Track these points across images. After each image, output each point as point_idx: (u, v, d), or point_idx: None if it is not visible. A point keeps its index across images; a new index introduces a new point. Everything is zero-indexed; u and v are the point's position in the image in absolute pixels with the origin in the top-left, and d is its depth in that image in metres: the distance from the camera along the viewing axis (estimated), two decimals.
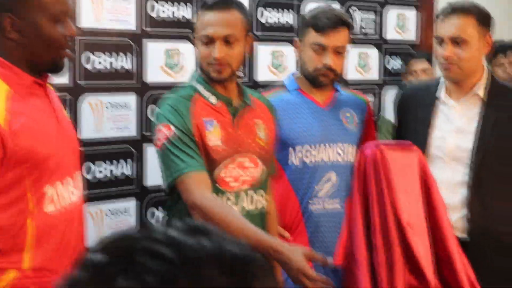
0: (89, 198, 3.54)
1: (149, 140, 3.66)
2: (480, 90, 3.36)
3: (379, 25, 5.27)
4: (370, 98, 4.79)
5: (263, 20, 4.59)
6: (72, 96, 3.79)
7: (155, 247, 0.88)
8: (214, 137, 2.88)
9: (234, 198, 2.92)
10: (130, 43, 4.01)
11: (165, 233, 0.91)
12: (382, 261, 2.39)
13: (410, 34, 5.46)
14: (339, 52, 3.33)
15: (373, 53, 5.22)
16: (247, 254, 0.92)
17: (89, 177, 3.83)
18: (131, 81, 4.02)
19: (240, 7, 2.98)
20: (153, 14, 4.10)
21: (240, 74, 3.12)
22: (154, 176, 3.96)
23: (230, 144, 2.92)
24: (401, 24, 5.41)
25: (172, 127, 2.81)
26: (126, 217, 4.01)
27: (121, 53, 3.98)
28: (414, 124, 3.44)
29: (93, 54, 3.88)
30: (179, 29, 4.19)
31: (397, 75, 5.23)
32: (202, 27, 2.91)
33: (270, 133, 3.10)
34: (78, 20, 3.78)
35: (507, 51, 5.29)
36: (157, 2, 4.11)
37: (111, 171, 3.96)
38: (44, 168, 2.41)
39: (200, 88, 2.95)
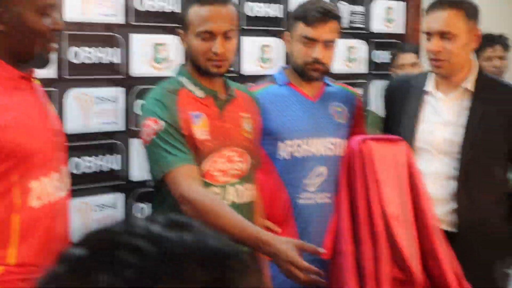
0: (75, 192, 3.52)
1: (135, 133, 3.65)
2: (469, 84, 3.36)
3: (367, 17, 5.26)
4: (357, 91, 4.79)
5: (250, 13, 4.58)
6: (57, 89, 3.76)
7: (135, 241, 0.87)
8: (201, 130, 2.87)
9: (221, 191, 2.92)
10: (116, 36, 3.99)
11: (146, 228, 0.90)
12: (367, 253, 2.39)
13: (398, 26, 5.45)
14: (329, 45, 3.34)
15: (360, 46, 5.22)
16: (229, 249, 0.91)
17: (75, 171, 3.81)
18: (117, 75, 4.00)
19: (231, 1, 2.99)
20: (139, 7, 4.08)
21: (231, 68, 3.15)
22: (140, 169, 3.95)
23: (217, 137, 2.91)
24: (388, 17, 5.41)
25: (160, 121, 2.80)
26: (112, 211, 4.00)
27: (107, 46, 3.96)
28: (401, 117, 3.44)
29: (79, 47, 3.85)
30: (165, 22, 4.17)
31: (385, 68, 5.23)
32: (200, 22, 2.90)
33: (255, 126, 3.10)
34: (64, 13, 3.75)
35: (494, 44, 5.29)
36: None
37: (97, 164, 3.94)
38: (31, 163, 2.40)
39: (186, 81, 2.94)
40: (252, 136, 3.06)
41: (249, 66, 4.59)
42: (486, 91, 3.37)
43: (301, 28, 3.33)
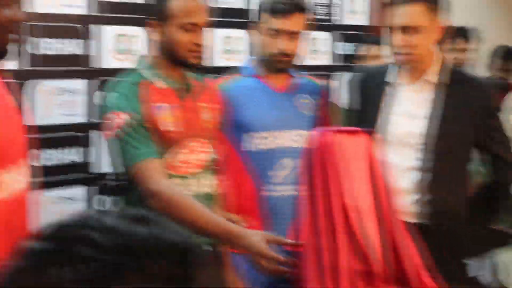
0: (38, 185, 3.49)
1: (98, 126, 3.62)
2: (432, 76, 3.38)
3: (331, 9, 5.27)
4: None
5: (216, 5, 4.57)
6: (20, 81, 3.73)
7: (93, 235, 0.87)
8: (165, 122, 2.86)
9: (183, 182, 2.91)
10: (79, 27, 3.96)
11: (104, 222, 0.90)
12: (327, 245, 2.39)
13: (362, 18, 5.46)
14: (295, 37, 3.35)
15: (324, 37, 5.22)
16: (189, 242, 0.91)
17: (37, 163, 3.77)
18: (80, 66, 3.97)
19: None
20: None
21: None
22: (103, 162, 3.93)
23: (180, 128, 2.91)
24: (352, 9, 5.42)
25: (124, 115, 2.79)
26: (75, 204, 3.97)
27: (69, 38, 3.93)
28: (365, 108, 3.45)
29: (42, 39, 3.82)
30: (129, 14, 4.14)
31: (348, 60, 5.24)
32: (185, 14, 2.90)
33: (216, 116, 3.09)
34: (26, 4, 3.71)
35: (456, 36, 5.32)
36: None
37: (59, 157, 3.91)
38: None
39: (148, 73, 2.93)
40: (213, 127, 3.06)
41: (215, 59, 4.58)
42: (451, 83, 3.38)
43: (267, 20, 3.34)
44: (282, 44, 3.33)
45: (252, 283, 3.26)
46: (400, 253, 2.55)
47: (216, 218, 2.67)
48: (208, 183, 3.02)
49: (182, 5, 2.91)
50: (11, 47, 2.50)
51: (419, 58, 3.34)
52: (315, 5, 5.13)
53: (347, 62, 5.23)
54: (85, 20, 3.98)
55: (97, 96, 3.98)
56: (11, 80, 3.65)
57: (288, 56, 3.36)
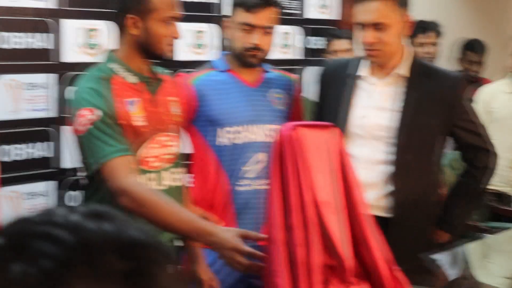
0: (6, 180, 3.47)
1: (65, 121, 3.60)
2: (402, 69, 3.39)
3: (302, 4, 5.27)
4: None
5: None
6: None
7: (52, 231, 0.87)
8: (137, 117, 2.85)
9: (156, 177, 2.91)
10: (48, 21, 3.93)
11: (65, 217, 0.90)
12: (298, 240, 2.40)
13: (332, 13, 5.47)
14: (267, 31, 3.36)
15: (294, 32, 5.23)
16: (148, 239, 0.91)
17: (5, 158, 3.75)
18: (49, 61, 3.94)
19: None
20: None
21: None
22: (72, 157, 3.91)
23: (152, 122, 2.90)
24: (323, 3, 5.43)
25: (96, 111, 2.76)
26: (43, 199, 3.95)
27: (38, 32, 3.90)
28: (335, 102, 3.46)
29: (9, 32, 3.79)
30: (98, 8, 4.12)
31: (319, 54, 5.25)
32: (168, 8, 2.90)
33: (183, 110, 3.09)
34: None
35: (427, 31, 5.35)
36: None
37: (28, 152, 3.89)
38: None
39: (117, 68, 2.90)
40: (181, 120, 3.05)
41: (184, 53, 4.57)
42: (420, 76, 3.39)
43: (240, 15, 3.34)
44: (254, 39, 3.33)
45: (223, 280, 3.28)
46: (371, 248, 2.56)
47: (188, 215, 2.66)
48: (177, 177, 3.02)
49: None
50: None
51: (388, 53, 3.35)
52: (287, 0, 5.14)
53: (317, 56, 5.23)
54: (54, 14, 3.95)
55: (64, 91, 3.95)
56: None
57: (260, 50, 3.37)
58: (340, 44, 5.03)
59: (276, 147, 2.50)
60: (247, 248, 2.50)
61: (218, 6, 4.66)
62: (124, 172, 2.71)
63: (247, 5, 3.31)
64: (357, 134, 3.37)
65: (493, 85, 5.67)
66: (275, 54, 4.95)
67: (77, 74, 3.78)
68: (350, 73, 3.46)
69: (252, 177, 3.36)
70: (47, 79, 3.93)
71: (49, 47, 3.94)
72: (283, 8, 5.04)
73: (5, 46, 3.77)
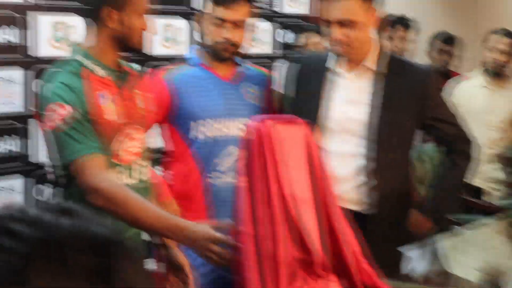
0: None
1: (36, 115, 3.57)
2: (370, 63, 3.39)
3: None
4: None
5: None
6: None
7: (15, 226, 0.86)
8: (108, 111, 2.83)
9: (127, 170, 2.89)
10: (15, 15, 3.89)
11: (28, 213, 0.90)
12: (265, 234, 2.39)
13: (302, 7, 5.47)
14: (239, 25, 3.36)
15: (265, 26, 5.22)
16: (113, 235, 0.91)
17: None
18: (17, 55, 3.90)
19: None
20: None
21: None
22: (41, 152, 3.87)
23: (121, 117, 2.88)
24: None
25: (68, 107, 2.73)
26: (13, 195, 3.92)
27: (6, 26, 3.86)
28: (305, 95, 3.45)
29: None
30: (67, 2, 4.08)
31: (290, 48, 5.25)
32: (145, 0, 2.89)
33: (147, 103, 3.07)
34: None
35: (395, 25, 5.37)
36: None
37: None
38: None
39: (86, 62, 2.88)
40: (146, 113, 3.04)
41: (155, 47, 4.55)
42: (389, 69, 3.40)
43: (212, 9, 3.34)
44: (227, 33, 3.33)
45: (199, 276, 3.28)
46: (339, 241, 2.55)
47: (160, 212, 2.65)
48: (146, 171, 3.00)
49: None
50: None
51: (357, 49, 3.35)
52: None
53: (288, 51, 5.23)
54: (22, 7, 3.92)
55: (35, 86, 3.92)
56: None
57: (233, 45, 3.37)
58: (311, 39, 5.03)
59: (245, 141, 2.49)
60: (220, 235, 2.51)
61: (190, 1, 4.65)
62: (94, 170, 2.69)
63: (220, 0, 3.31)
64: (328, 128, 3.37)
65: (467, 80, 5.71)
66: (247, 48, 4.95)
67: (45, 68, 3.75)
68: (320, 67, 3.45)
69: (225, 170, 3.36)
70: (15, 73, 3.90)
71: (16, 41, 3.90)
72: (256, 2, 5.04)
73: None
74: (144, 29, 2.92)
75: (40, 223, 0.87)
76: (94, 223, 0.91)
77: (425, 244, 3.67)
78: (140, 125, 2.98)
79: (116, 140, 2.86)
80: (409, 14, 5.58)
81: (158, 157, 3.55)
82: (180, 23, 4.65)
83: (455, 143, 3.51)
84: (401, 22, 5.42)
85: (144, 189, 2.91)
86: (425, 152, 4.75)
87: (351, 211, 3.17)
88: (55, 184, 3.03)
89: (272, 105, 3.64)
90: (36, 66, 3.95)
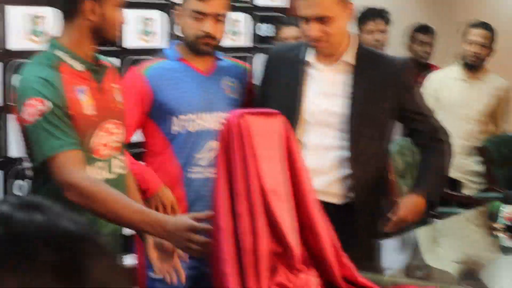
0: None
1: (12, 110, 3.54)
2: (348, 56, 3.39)
3: None
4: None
5: None
6: None
7: None
8: (87, 105, 2.81)
9: (106, 165, 2.87)
10: None
11: None
12: (245, 228, 2.39)
13: (281, 0, 5.46)
14: (219, 19, 3.35)
15: (243, 19, 5.21)
16: (82, 231, 0.89)
17: None
18: None
19: None
20: None
21: None
22: (18, 146, 3.84)
23: (100, 111, 2.86)
24: None
25: (46, 102, 2.69)
26: None
27: None
28: (280, 88, 3.44)
29: None
30: None
31: (268, 41, 5.23)
32: None
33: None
34: None
35: (376, 18, 5.36)
36: None
37: None
38: None
39: (63, 55, 2.85)
40: (123, 107, 3.02)
41: (131, 40, 4.52)
42: (366, 63, 3.40)
43: (192, 3, 3.33)
44: (206, 27, 3.32)
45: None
46: (318, 235, 2.56)
47: (138, 207, 2.65)
48: (124, 165, 2.98)
49: None
50: None
51: (334, 44, 3.35)
52: None
53: (266, 44, 5.22)
54: None
55: (12, 79, 3.88)
56: None
57: (213, 38, 3.35)
58: (289, 31, 5.01)
59: (223, 134, 2.48)
60: (200, 224, 2.50)
61: None
62: (71, 166, 2.67)
63: None
64: (306, 121, 3.37)
65: (443, 72, 5.72)
66: (224, 41, 4.94)
67: (22, 62, 3.72)
68: (297, 59, 3.44)
69: (205, 165, 3.35)
70: None
71: None
72: None
73: None
74: (121, 22, 2.91)
75: (6, 219, 0.86)
76: (64, 219, 0.89)
77: (403, 236, 3.68)
78: (118, 119, 2.95)
79: (94, 135, 2.84)
80: (383, 6, 5.58)
81: (138, 152, 3.53)
82: (157, 16, 4.62)
83: (436, 134, 3.50)
84: (381, 15, 5.42)
85: (122, 183, 2.89)
86: (406, 145, 4.76)
87: (329, 203, 3.17)
88: (31, 180, 3.00)
89: (251, 99, 3.62)
90: (12, 60, 3.91)
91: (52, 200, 0.87)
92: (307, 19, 3.29)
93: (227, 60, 3.58)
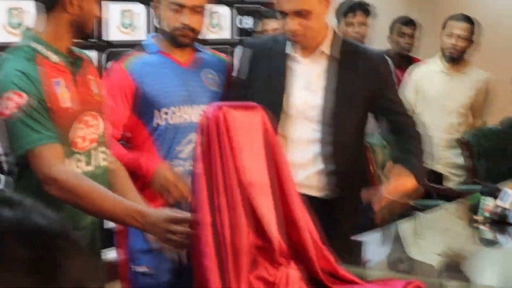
0: None
1: None
2: (326, 48, 3.38)
3: None
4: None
5: None
6: None
7: None
8: (64, 98, 2.78)
9: (85, 158, 2.85)
10: None
11: None
12: (225, 222, 2.37)
13: None
14: (198, 11, 3.33)
15: (225, 12, 5.19)
16: (56, 227, 0.88)
17: None
18: None
19: None
20: None
21: None
22: None
23: (77, 103, 2.83)
24: None
25: (24, 95, 2.67)
26: None
27: None
28: (265, 82, 3.43)
29: None
30: None
31: (249, 34, 5.22)
32: None
33: (100, 88, 3.03)
34: None
35: (356, 10, 5.36)
36: None
37: None
38: None
39: (39, 47, 2.82)
40: (101, 99, 2.99)
41: (112, 33, 4.49)
42: (344, 54, 3.39)
43: None
44: (185, 19, 3.30)
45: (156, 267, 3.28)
46: (298, 228, 2.55)
47: (119, 199, 2.64)
48: (104, 156, 2.96)
49: None
50: None
51: (314, 37, 3.34)
52: None
53: (247, 36, 5.21)
54: None
55: None
56: None
57: (191, 30, 3.33)
58: (270, 24, 5.00)
59: (202, 128, 2.47)
60: (180, 215, 2.51)
61: None
62: (51, 160, 2.66)
63: None
64: (287, 114, 3.35)
65: (425, 65, 5.73)
66: (207, 34, 4.92)
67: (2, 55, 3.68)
68: (279, 52, 3.43)
69: (185, 158, 3.33)
70: None
71: None
72: None
73: None
74: (98, 16, 2.89)
75: None
76: (37, 214, 0.87)
77: (386, 229, 3.68)
78: (96, 111, 2.93)
79: (73, 128, 2.82)
80: None
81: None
82: (138, 8, 4.59)
83: (411, 125, 3.47)
84: (361, 8, 5.41)
85: (103, 175, 2.88)
86: (387, 138, 4.76)
87: (310, 197, 3.16)
88: (9, 174, 2.97)
89: (232, 92, 3.61)
90: None
91: (32, 193, 0.85)
92: (286, 13, 3.27)
93: (207, 52, 3.56)
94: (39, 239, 0.84)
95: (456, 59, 5.49)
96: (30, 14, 3.99)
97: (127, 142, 3.44)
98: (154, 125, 3.35)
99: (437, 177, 5.51)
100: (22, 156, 2.70)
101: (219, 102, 3.11)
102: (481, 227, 3.66)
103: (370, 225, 3.49)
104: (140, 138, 3.37)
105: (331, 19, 3.49)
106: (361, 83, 3.36)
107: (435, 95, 5.48)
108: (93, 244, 2.91)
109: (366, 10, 5.43)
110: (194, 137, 3.28)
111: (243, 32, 5.30)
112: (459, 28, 5.46)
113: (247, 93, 3.41)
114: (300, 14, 3.25)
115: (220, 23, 5.15)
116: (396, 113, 3.46)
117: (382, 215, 3.30)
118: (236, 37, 5.26)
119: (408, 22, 6.15)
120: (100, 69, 4.25)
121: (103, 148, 2.97)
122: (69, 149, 2.79)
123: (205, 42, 3.86)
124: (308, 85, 3.38)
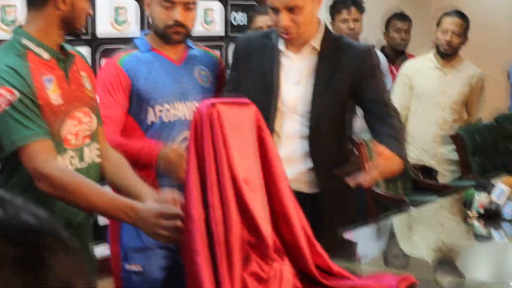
0: None
1: None
2: (316, 43, 3.38)
3: None
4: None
5: None
6: None
7: None
8: (54, 95, 2.77)
9: (77, 154, 2.85)
10: None
11: None
12: (218, 218, 2.37)
13: None
14: (189, 7, 3.33)
15: (217, 7, 5.18)
16: (44, 226, 0.86)
17: None
18: None
19: None
20: None
21: None
22: None
23: (68, 100, 2.83)
24: None
25: (15, 91, 2.66)
26: None
27: None
28: (256, 77, 3.43)
29: None
30: None
31: (242, 29, 5.22)
32: None
33: (93, 84, 3.03)
34: None
35: (350, 7, 5.36)
36: None
37: None
38: None
39: (30, 44, 2.81)
40: (93, 95, 2.99)
41: (103, 28, 4.48)
42: (332, 50, 3.38)
43: None
44: (176, 15, 3.29)
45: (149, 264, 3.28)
46: (291, 224, 2.55)
47: (111, 195, 2.66)
48: (97, 153, 2.96)
49: None
50: None
51: (306, 32, 3.33)
52: None
53: (240, 32, 5.20)
54: None
55: None
56: None
57: (183, 27, 3.33)
58: (262, 20, 4.99)
59: (194, 124, 2.46)
60: (171, 210, 2.51)
61: None
62: (42, 156, 2.65)
63: None
64: (279, 109, 3.36)
65: (417, 60, 5.73)
66: (197, 29, 4.91)
67: None
68: (270, 48, 3.43)
69: None
70: None
71: None
72: None
73: None
74: (88, 13, 2.89)
75: None
76: (25, 212, 0.86)
77: (377, 223, 3.68)
78: (88, 107, 2.93)
79: (64, 124, 2.81)
80: None
81: None
82: (130, 4, 4.58)
83: (394, 118, 3.44)
84: (355, 4, 5.41)
85: (95, 172, 2.89)
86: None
87: (302, 193, 3.16)
88: (1, 171, 2.96)
89: (223, 88, 3.61)
90: None
91: (24, 190, 0.84)
92: (277, 9, 3.27)
93: (198, 49, 3.56)
94: (28, 237, 0.83)
95: (449, 54, 5.50)
96: (23, 11, 3.99)
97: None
98: (148, 123, 3.35)
99: (430, 172, 5.52)
100: (13, 153, 2.70)
101: (211, 98, 3.12)
102: (475, 222, 3.67)
103: (362, 218, 3.49)
104: (134, 135, 3.37)
105: (324, 16, 3.48)
106: (348, 77, 3.35)
107: (428, 91, 5.48)
108: (85, 241, 2.91)
109: (359, 6, 5.43)
110: (187, 133, 3.29)
111: (235, 28, 5.29)
112: (453, 24, 5.46)
113: (240, 89, 3.41)
114: (292, 10, 3.25)
115: (212, 19, 5.14)
116: (379, 104, 3.40)
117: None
118: (228, 33, 5.26)
119: (402, 17, 6.16)
120: (94, 66, 4.25)
121: (96, 145, 2.96)
122: (61, 146, 2.79)
123: (196, 39, 3.85)
124: (298, 80, 3.38)
